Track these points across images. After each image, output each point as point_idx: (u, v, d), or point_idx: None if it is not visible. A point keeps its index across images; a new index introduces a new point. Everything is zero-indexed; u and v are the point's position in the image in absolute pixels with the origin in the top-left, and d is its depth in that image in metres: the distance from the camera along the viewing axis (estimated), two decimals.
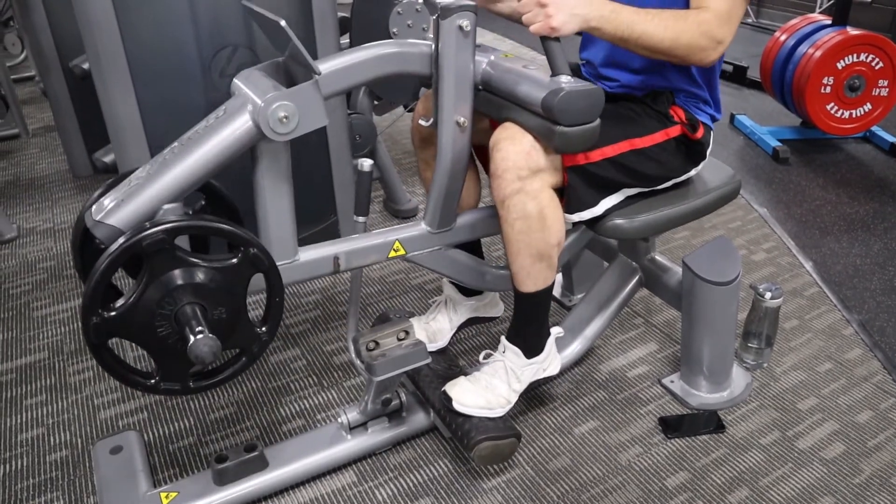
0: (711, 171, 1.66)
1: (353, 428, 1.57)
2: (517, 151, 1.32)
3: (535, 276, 1.43)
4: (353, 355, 1.46)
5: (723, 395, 1.74)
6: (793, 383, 1.81)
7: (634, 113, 1.49)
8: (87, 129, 2.90)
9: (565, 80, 1.25)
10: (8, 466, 1.60)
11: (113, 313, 1.15)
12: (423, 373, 1.64)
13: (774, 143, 3.09)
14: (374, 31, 2.27)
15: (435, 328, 1.72)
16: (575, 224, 1.47)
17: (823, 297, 2.14)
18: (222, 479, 1.46)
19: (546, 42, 1.26)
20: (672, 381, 1.79)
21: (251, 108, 1.21)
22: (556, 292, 2.13)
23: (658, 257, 1.80)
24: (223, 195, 1.46)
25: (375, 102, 2.45)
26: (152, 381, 1.24)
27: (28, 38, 2.82)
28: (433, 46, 1.33)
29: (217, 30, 1.90)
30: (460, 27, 1.27)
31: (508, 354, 1.52)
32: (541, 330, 1.53)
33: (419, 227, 1.48)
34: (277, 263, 1.34)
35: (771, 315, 1.78)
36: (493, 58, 1.37)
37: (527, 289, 1.45)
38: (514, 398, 1.54)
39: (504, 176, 1.33)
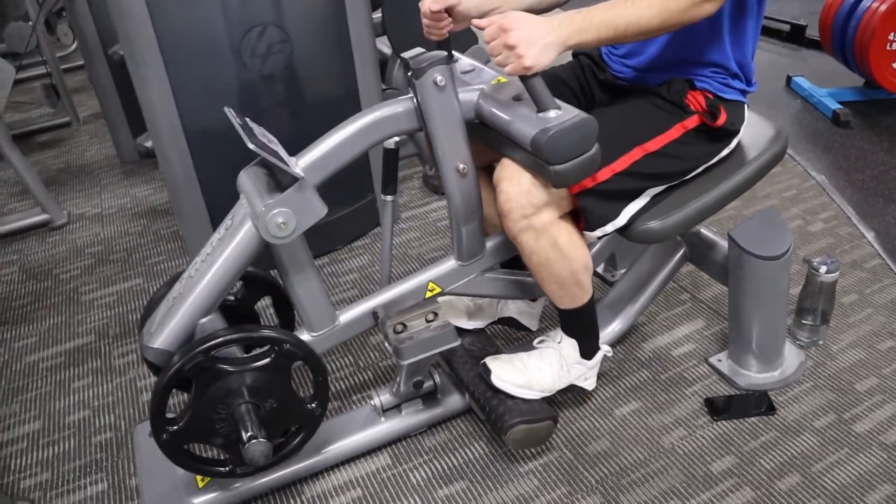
0: (752, 133, 1.54)
1: (386, 410, 1.55)
2: (517, 192, 1.27)
3: (569, 297, 1.41)
4: (382, 338, 1.43)
5: (774, 375, 1.65)
6: (851, 362, 1.70)
7: (643, 112, 1.39)
8: (132, 115, 2.93)
9: (554, 115, 1.18)
10: (56, 448, 1.64)
11: (176, 427, 1.26)
12: (458, 353, 1.61)
13: (834, 106, 2.90)
14: (406, 4, 2.22)
15: (477, 308, 1.69)
16: (601, 237, 1.40)
17: (886, 270, 2.01)
18: None
19: (525, 80, 1.18)
20: (720, 360, 1.71)
21: (252, 216, 1.23)
22: (600, 268, 2.06)
23: (704, 231, 1.71)
24: (260, 276, 1.50)
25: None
26: (228, 468, 1.34)
27: (75, 26, 2.87)
28: (414, 100, 1.28)
29: (246, 10, 1.88)
30: (435, 83, 1.23)
31: (565, 345, 1.49)
32: (590, 336, 1.50)
33: (449, 263, 1.44)
34: (318, 333, 1.39)
35: (827, 290, 1.68)
36: (485, 88, 1.30)
37: (564, 306, 1.43)
38: (556, 390, 1.49)
39: (510, 216, 1.29)
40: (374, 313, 1.41)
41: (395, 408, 1.56)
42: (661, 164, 1.37)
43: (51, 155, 3.21)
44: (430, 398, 1.58)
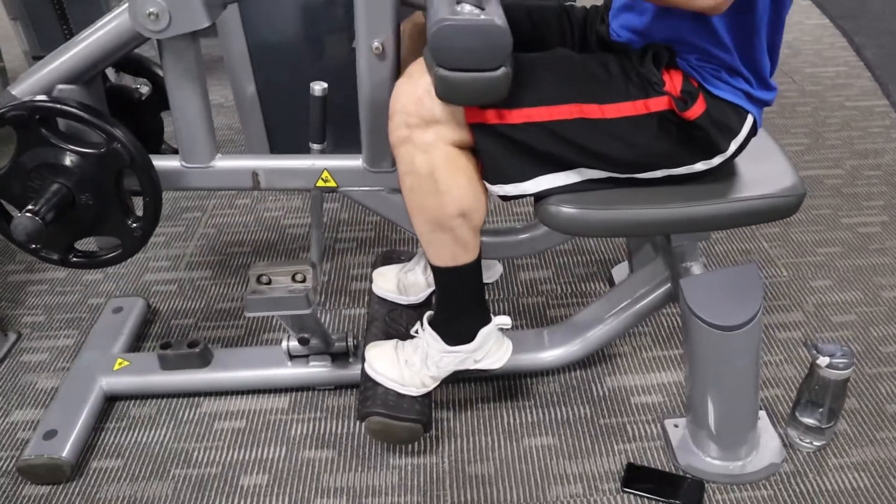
0: (759, 169, 1.20)
1: (293, 357, 1.53)
2: (408, 93, 1.08)
3: (438, 247, 1.20)
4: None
5: (727, 466, 1.33)
6: (842, 487, 1.30)
7: (605, 71, 1.11)
8: None
9: (467, 10, 0.98)
10: (60, 299, 1.87)
11: None
12: (374, 324, 1.53)
13: None
14: None
15: (410, 281, 1.56)
16: (504, 197, 1.17)
17: None
18: (163, 365, 1.54)
19: None
20: (676, 426, 1.42)
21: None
22: (618, 276, 1.79)
23: (696, 267, 1.38)
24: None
25: None
26: (35, 246, 1.33)
27: None
28: None
29: None
30: None
31: (426, 335, 1.32)
32: (463, 315, 1.29)
33: (355, 162, 1.31)
34: (189, 165, 1.32)
35: (835, 388, 1.29)
36: None
37: (433, 261, 1.23)
38: (431, 384, 1.35)
39: (393, 119, 1.11)
40: (254, 173, 1.33)
41: (304, 357, 1.54)
42: (600, 141, 1.10)
43: None
44: (342, 359, 1.53)
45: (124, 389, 1.56)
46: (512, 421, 1.47)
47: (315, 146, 1.38)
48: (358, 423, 1.48)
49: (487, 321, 1.31)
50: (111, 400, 1.57)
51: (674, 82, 1.08)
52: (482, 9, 0.99)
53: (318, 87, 1.31)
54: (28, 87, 1.23)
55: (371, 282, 1.63)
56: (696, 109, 1.07)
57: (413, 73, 1.10)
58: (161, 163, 1.31)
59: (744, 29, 1.05)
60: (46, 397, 1.60)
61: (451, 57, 0.98)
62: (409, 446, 1.43)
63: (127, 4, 1.14)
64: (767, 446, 1.36)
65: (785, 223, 1.96)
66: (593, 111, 1.08)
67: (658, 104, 1.09)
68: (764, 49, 1.08)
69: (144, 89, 1.43)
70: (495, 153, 1.11)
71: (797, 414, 1.35)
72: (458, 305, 1.28)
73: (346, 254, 1.99)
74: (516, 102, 1.06)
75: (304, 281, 1.29)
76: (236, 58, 2.08)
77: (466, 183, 1.13)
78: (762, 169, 1.20)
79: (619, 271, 1.81)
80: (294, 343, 1.52)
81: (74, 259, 1.35)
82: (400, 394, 1.35)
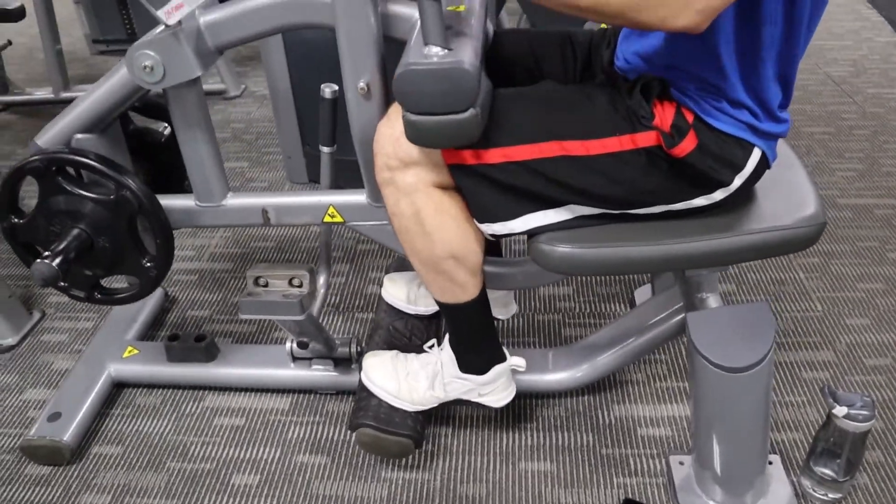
0: (777, 197, 1.12)
1: (296, 359, 1.52)
2: (387, 135, 1.07)
3: (436, 287, 1.18)
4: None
5: None
6: None
7: (591, 104, 1.05)
8: None
9: (433, 53, 0.95)
10: None
11: (17, 222, 1.33)
12: (378, 332, 1.50)
13: None
14: None
15: (422, 292, 1.52)
16: (493, 236, 1.13)
17: None
18: (170, 356, 1.56)
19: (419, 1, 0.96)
20: (682, 463, 1.34)
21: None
22: (640, 298, 1.71)
23: (712, 299, 1.31)
24: None
25: None
26: (63, 283, 1.38)
27: None
28: None
29: None
30: None
31: (444, 356, 1.30)
32: (475, 347, 1.27)
33: (360, 197, 1.30)
34: (203, 205, 1.34)
35: (853, 439, 1.20)
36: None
37: (435, 297, 1.22)
38: (431, 404, 1.32)
39: (376, 160, 1.10)
40: (263, 210, 1.34)
41: (306, 360, 1.52)
42: (584, 179, 1.05)
43: None
44: (345, 365, 1.51)
45: (131, 377, 1.58)
46: (510, 443, 1.42)
47: (325, 149, 1.36)
48: None
49: (503, 358, 1.28)
50: (119, 386, 1.59)
51: (665, 115, 1.02)
52: (449, 49, 0.96)
53: (329, 90, 1.29)
54: (51, 137, 1.29)
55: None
56: (686, 146, 1.00)
57: (391, 114, 1.09)
58: (177, 203, 1.35)
59: (748, 59, 0.98)
60: (60, 378, 1.64)
61: (416, 101, 0.97)
62: (402, 460, 1.40)
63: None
64: (777, 494, 1.27)
65: (826, 254, 1.85)
66: (576, 148, 1.03)
67: (646, 139, 1.02)
68: (771, 81, 1.00)
69: (168, 131, 1.46)
70: (477, 193, 1.08)
71: (812, 463, 1.27)
72: (465, 338, 1.26)
73: (367, 255, 1.98)
74: (493, 142, 1.03)
75: (300, 286, 1.28)
76: (272, 55, 2.09)
77: (454, 225, 1.11)
78: (780, 197, 1.12)
79: (642, 293, 1.73)
80: (296, 346, 1.51)
81: (99, 296, 1.40)
82: (393, 407, 1.32)
